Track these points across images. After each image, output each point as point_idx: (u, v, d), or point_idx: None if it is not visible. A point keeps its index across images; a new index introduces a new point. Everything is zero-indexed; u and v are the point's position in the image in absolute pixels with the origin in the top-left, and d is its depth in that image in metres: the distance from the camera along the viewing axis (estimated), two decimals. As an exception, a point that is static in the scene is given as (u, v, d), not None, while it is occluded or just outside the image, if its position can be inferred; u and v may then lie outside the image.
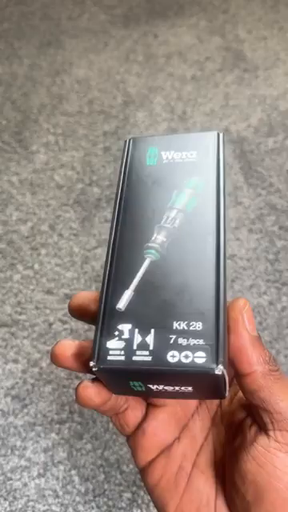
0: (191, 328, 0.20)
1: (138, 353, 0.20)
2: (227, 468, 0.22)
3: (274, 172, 0.58)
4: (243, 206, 0.55)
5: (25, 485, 0.40)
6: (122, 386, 0.21)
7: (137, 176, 0.25)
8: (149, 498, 0.39)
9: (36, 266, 0.51)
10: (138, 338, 0.20)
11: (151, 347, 0.20)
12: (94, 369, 0.19)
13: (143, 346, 0.20)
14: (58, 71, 0.69)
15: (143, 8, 0.78)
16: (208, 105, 0.65)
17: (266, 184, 0.57)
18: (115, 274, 0.22)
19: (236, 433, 0.22)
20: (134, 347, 0.20)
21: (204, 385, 0.19)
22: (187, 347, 0.19)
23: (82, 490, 0.40)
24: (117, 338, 0.20)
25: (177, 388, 0.20)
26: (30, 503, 0.39)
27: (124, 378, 0.20)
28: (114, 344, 0.20)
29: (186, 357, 0.19)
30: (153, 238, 0.23)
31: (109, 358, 0.20)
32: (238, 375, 0.20)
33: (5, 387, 0.44)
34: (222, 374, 0.18)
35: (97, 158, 0.60)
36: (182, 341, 0.19)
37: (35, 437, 0.42)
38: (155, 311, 0.21)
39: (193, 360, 0.19)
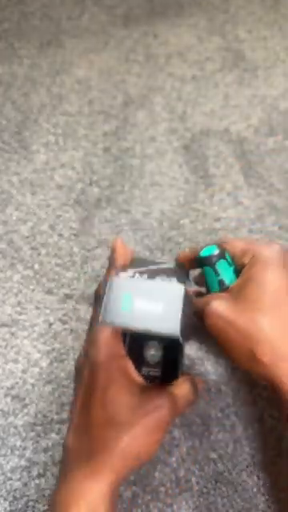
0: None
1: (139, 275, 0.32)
2: None
3: (273, 172, 0.58)
4: (243, 206, 0.55)
5: (25, 485, 0.40)
6: None
7: None
8: (149, 497, 0.39)
9: (36, 266, 0.51)
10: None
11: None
12: None
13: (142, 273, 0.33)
14: (57, 71, 0.69)
15: (143, 8, 0.77)
16: (208, 105, 0.65)
17: (266, 184, 0.57)
18: None
19: None
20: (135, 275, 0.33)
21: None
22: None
23: (82, 489, 0.40)
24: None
25: (151, 305, 0.30)
26: (30, 503, 0.39)
27: (122, 288, 0.31)
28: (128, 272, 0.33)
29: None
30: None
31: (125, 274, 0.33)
32: None
33: (5, 387, 0.44)
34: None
35: (97, 158, 0.60)
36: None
37: (35, 437, 0.42)
38: None
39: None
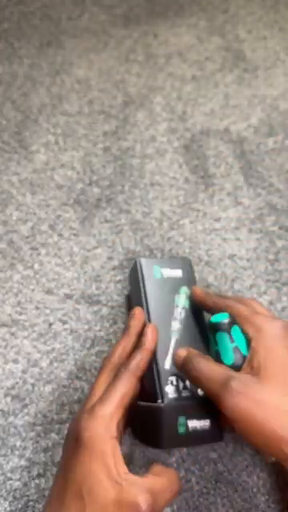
0: None
1: (183, 392, 0.35)
2: None
3: (273, 172, 0.58)
4: (243, 206, 0.55)
5: (25, 485, 0.40)
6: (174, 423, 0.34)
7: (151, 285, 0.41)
8: (149, 497, 0.39)
9: (36, 266, 0.51)
10: (181, 384, 0.36)
11: (189, 387, 0.35)
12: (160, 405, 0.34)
13: (184, 387, 0.36)
14: (58, 71, 0.69)
15: (143, 8, 0.78)
16: (208, 105, 0.65)
17: (266, 184, 0.57)
18: (157, 349, 0.37)
19: None
20: (181, 389, 0.35)
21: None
22: None
23: (82, 489, 0.40)
24: (170, 385, 0.35)
25: (200, 423, 0.35)
26: (30, 503, 0.39)
27: (176, 413, 0.34)
28: (169, 389, 0.35)
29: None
30: (173, 325, 0.38)
31: (169, 396, 0.35)
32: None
33: (5, 387, 0.44)
34: None
35: (97, 158, 0.60)
36: None
37: (35, 437, 0.42)
38: None
39: None
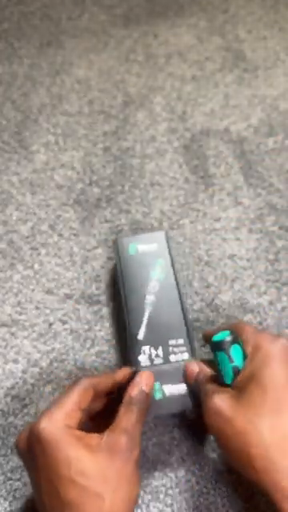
0: (178, 342, 0.38)
1: (155, 360, 0.38)
2: None
3: (273, 172, 0.58)
4: (243, 206, 0.55)
5: (25, 485, 0.40)
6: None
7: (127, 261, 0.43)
8: (149, 497, 0.39)
9: (36, 266, 0.51)
10: (153, 352, 0.38)
11: (161, 355, 0.38)
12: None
13: (157, 355, 0.38)
14: (58, 71, 0.69)
15: (143, 8, 0.77)
16: (208, 105, 0.65)
17: (266, 184, 0.57)
18: (131, 321, 0.40)
19: None
20: (153, 357, 0.38)
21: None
22: (178, 352, 0.38)
23: (82, 489, 0.40)
24: (142, 354, 0.38)
25: (177, 388, 0.37)
26: (30, 503, 0.39)
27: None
28: (142, 358, 0.38)
29: (179, 356, 0.38)
30: (147, 298, 0.41)
31: (141, 364, 0.38)
32: None
33: (5, 387, 0.44)
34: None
35: (97, 158, 0.60)
36: (175, 349, 0.38)
37: (35, 437, 0.42)
38: (158, 336, 0.39)
39: (182, 358, 0.38)
